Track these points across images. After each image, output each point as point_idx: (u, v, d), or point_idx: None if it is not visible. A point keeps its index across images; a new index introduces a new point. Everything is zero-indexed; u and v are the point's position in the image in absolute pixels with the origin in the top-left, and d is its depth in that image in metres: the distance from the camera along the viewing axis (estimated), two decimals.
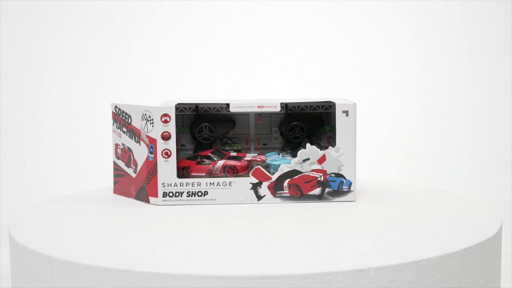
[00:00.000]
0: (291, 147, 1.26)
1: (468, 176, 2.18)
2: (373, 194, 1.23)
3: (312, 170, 1.15)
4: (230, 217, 1.07)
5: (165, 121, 1.14)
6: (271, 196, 1.16)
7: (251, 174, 1.15)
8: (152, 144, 1.15)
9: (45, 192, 2.06)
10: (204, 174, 1.18)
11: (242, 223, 1.03)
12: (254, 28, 2.19)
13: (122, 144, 1.21)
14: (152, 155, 1.15)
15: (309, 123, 1.26)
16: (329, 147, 1.15)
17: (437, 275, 0.84)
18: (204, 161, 1.19)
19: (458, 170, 2.18)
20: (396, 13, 2.19)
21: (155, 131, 1.14)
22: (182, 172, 1.19)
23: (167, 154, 1.14)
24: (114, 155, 1.24)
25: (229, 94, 2.15)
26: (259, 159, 1.20)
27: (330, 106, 1.27)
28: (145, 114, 1.15)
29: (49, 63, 2.14)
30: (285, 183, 1.15)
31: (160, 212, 1.11)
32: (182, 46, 2.17)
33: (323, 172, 1.15)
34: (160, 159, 1.14)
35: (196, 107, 1.25)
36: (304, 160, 1.15)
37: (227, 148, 1.27)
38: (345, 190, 1.16)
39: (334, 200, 1.16)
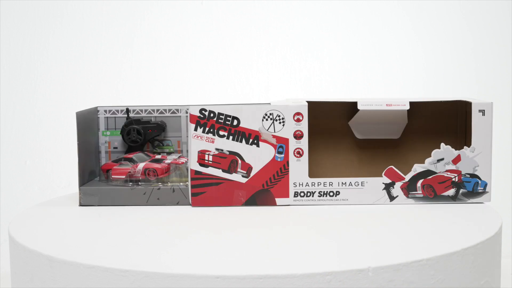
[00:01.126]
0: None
1: None
2: None
3: (447, 171, 1.12)
4: (230, 217, 1.07)
5: (298, 120, 1.12)
6: (404, 196, 1.13)
7: (384, 174, 1.13)
8: (281, 144, 1.13)
9: (45, 192, 2.06)
10: (124, 176, 1.17)
11: (244, 225, 1.03)
12: (267, 27, 2.19)
13: (217, 149, 1.13)
14: (282, 155, 1.13)
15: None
16: (464, 147, 1.13)
17: (437, 275, 0.84)
18: (126, 164, 1.18)
19: None
20: (396, 11, 2.19)
21: (286, 131, 1.13)
22: (106, 174, 1.18)
23: (299, 153, 1.13)
24: (196, 163, 1.13)
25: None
26: (180, 162, 1.19)
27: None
28: (272, 114, 1.12)
29: (49, 63, 2.14)
30: (419, 184, 1.13)
31: (159, 212, 1.10)
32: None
33: (458, 172, 1.12)
34: (292, 159, 1.13)
35: (127, 110, 1.26)
36: (439, 160, 1.12)
37: (158, 150, 1.27)
38: (480, 191, 1.13)
39: (469, 201, 1.13)
